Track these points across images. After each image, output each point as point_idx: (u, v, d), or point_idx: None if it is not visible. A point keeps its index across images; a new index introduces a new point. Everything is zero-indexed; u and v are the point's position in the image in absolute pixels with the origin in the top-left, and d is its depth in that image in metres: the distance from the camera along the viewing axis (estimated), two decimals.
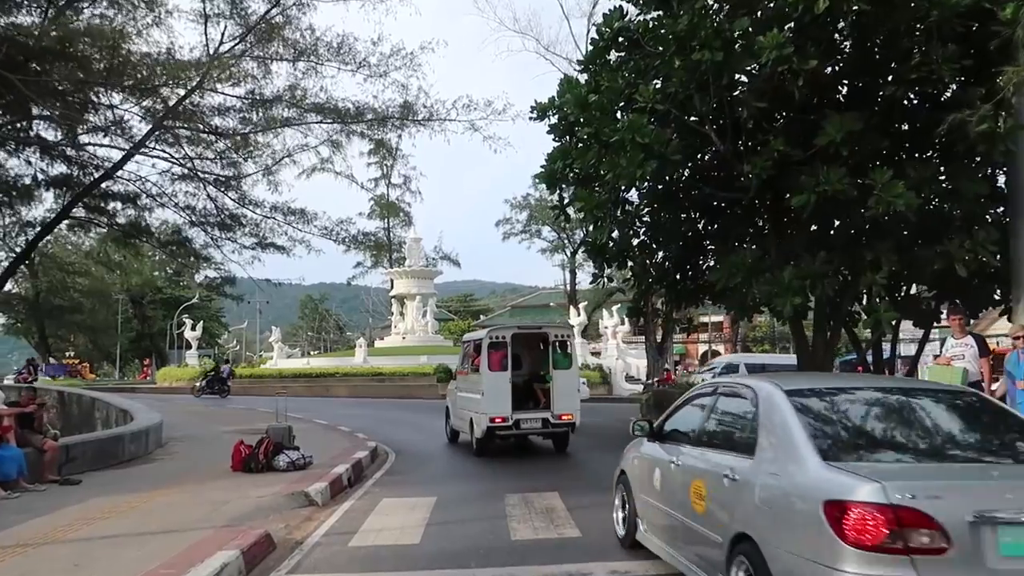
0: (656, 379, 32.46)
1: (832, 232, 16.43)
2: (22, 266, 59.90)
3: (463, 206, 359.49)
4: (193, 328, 53.86)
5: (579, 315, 47.62)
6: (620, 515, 7.15)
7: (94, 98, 19.60)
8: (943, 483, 3.97)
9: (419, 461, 13.98)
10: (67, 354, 77.45)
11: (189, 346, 54.46)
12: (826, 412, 4.85)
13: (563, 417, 13.88)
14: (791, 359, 28.05)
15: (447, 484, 10.99)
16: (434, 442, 16.71)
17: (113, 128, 22.80)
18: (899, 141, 15.45)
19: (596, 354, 48.34)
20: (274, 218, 24.52)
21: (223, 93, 24.01)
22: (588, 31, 41.62)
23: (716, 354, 73.16)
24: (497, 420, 13.45)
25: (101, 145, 22.16)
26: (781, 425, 4.66)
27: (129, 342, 74.05)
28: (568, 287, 60.34)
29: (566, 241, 59.25)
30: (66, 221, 25.04)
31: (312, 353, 69.07)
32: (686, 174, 17.04)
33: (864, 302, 18.12)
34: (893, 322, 15.65)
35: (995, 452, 4.67)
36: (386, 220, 61.68)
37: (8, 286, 59.21)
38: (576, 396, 14.49)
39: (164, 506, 8.83)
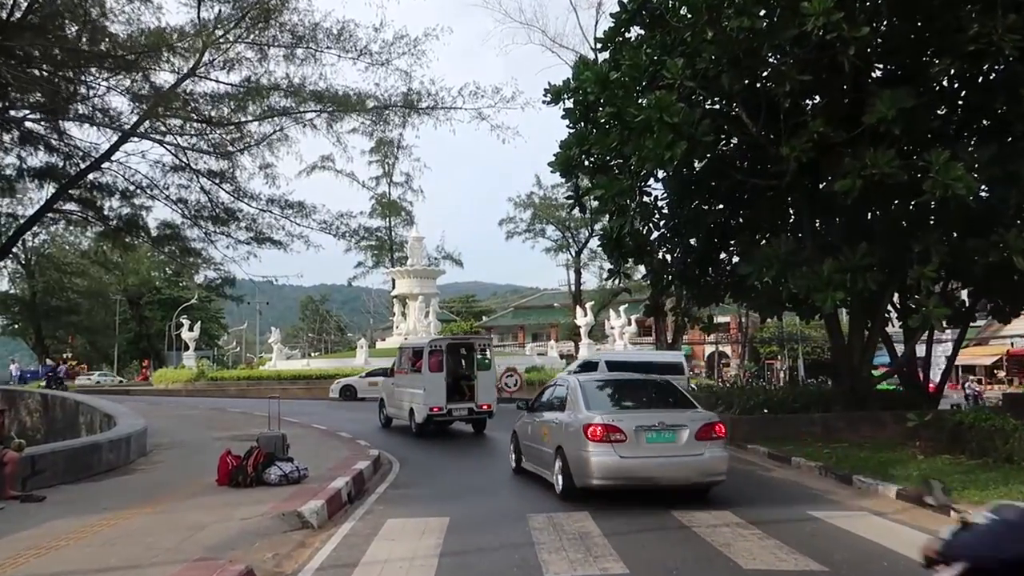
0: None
1: (873, 222, 15.20)
2: (19, 267, 58.82)
3: (462, 210, 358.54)
4: (191, 329, 52.52)
5: (585, 315, 46.43)
6: (513, 456, 11.89)
7: (77, 76, 18.39)
8: (628, 414, 9.38)
9: (426, 471, 12.72)
10: (65, 355, 76.25)
11: (187, 347, 53.16)
12: (595, 391, 10.21)
13: (483, 407, 17.72)
14: (670, 355, 26.84)
15: (460, 500, 9.73)
16: (441, 449, 15.47)
17: (100, 116, 21.61)
18: (951, 121, 14.21)
19: None
20: (271, 211, 23.29)
21: (216, 80, 22.85)
22: (597, 22, 40.59)
23: (723, 355, 72.09)
24: (435, 409, 17.06)
25: (91, 122, 20.90)
26: (576, 397, 9.80)
27: (127, 343, 72.73)
28: (573, 287, 59.03)
29: (571, 240, 58.10)
30: (54, 215, 23.89)
31: (313, 354, 67.68)
32: (712, 159, 15.80)
33: (897, 298, 16.98)
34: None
35: (659, 404, 10.06)
36: (388, 219, 60.38)
37: (4, 287, 58.15)
38: (493, 391, 18.60)
39: (132, 530, 7.55)
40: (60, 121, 21.19)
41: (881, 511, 8.65)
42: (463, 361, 18.70)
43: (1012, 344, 51.83)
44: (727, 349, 74.42)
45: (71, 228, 44.94)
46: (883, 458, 11.60)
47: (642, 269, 27.54)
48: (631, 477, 8.88)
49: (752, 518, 8.09)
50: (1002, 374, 51.90)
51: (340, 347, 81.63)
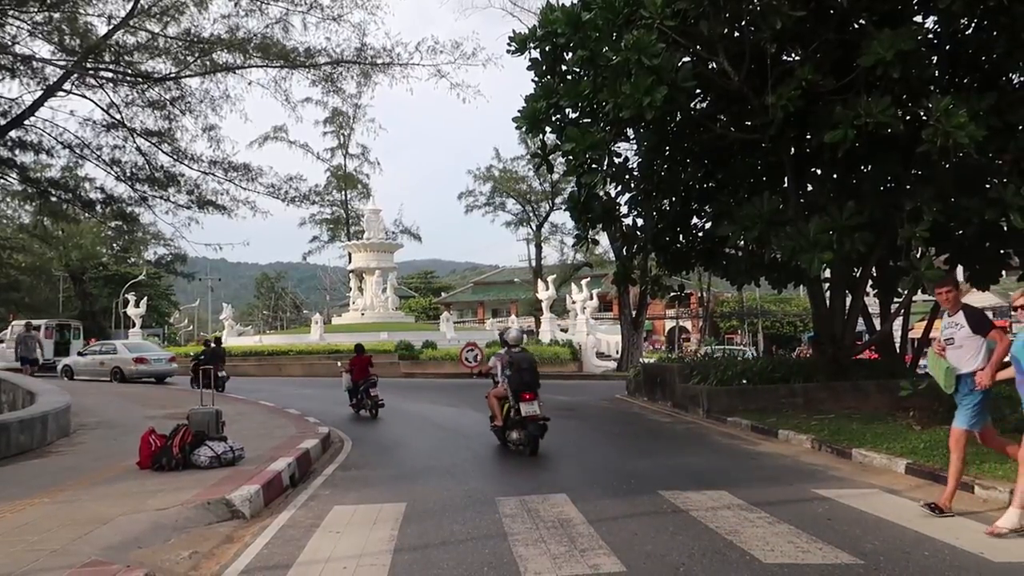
0: None
1: (861, 179, 14.30)
2: None
3: (420, 189, 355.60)
4: (136, 305, 50.26)
5: (547, 289, 45.31)
6: (65, 377, 26.78)
7: None
8: (147, 354, 27.46)
9: (380, 450, 11.54)
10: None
11: (133, 324, 50.89)
12: (129, 344, 29.97)
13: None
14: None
15: (417, 482, 8.57)
16: (398, 426, 14.29)
17: (23, 68, 19.80)
18: (945, 70, 13.31)
19: (564, 330, 45.99)
20: (214, 174, 21.72)
21: (152, 32, 21.14)
22: None
23: (684, 330, 71.79)
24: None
25: (11, 73, 19.13)
26: (123, 348, 27.51)
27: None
28: (534, 261, 57.90)
29: (531, 214, 56.90)
30: None
31: (267, 332, 65.68)
32: (690, 113, 14.70)
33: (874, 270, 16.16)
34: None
35: (154, 349, 30.19)
36: (344, 192, 58.45)
37: None
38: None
39: (18, 526, 6.22)
40: None
41: (894, 488, 7.70)
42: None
43: None
44: (687, 324, 74.20)
45: (7, 200, 42.40)
46: (878, 430, 10.69)
47: (606, 241, 26.66)
48: (149, 373, 25.30)
49: (754, 499, 7.07)
50: None
51: (296, 324, 79.67)
